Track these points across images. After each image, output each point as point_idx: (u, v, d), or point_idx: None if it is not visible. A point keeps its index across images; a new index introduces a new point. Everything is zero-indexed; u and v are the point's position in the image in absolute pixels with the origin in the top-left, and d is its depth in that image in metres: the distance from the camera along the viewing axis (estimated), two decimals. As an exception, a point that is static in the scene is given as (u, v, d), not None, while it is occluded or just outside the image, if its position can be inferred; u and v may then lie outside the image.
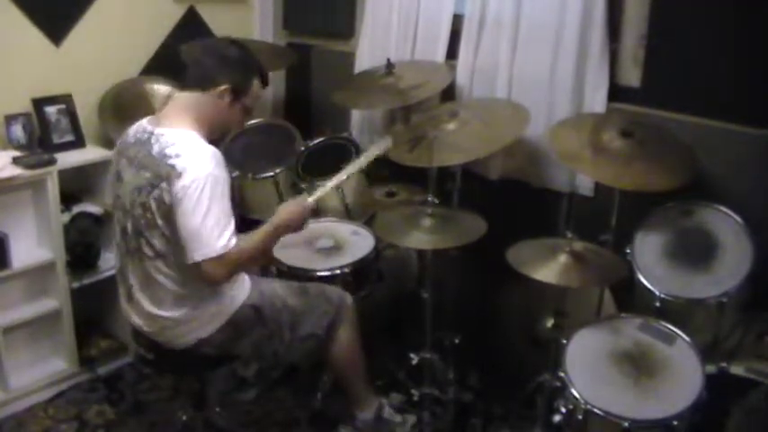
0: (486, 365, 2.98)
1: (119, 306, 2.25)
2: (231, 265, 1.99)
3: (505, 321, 2.90)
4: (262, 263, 2.18)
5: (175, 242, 1.98)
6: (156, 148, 1.99)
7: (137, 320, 2.17)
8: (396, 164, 2.65)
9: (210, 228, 1.92)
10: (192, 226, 1.91)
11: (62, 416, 2.80)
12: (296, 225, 2.21)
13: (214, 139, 2.12)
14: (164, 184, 1.93)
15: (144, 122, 2.11)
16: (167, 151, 1.96)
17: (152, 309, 2.10)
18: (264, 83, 2.18)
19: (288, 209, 2.20)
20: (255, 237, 2.08)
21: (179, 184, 1.91)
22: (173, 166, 1.93)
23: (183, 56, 3.19)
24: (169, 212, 1.94)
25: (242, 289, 2.22)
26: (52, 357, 2.97)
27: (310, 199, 2.28)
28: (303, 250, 2.72)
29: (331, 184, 2.39)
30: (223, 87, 2.06)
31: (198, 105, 2.06)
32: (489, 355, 2.93)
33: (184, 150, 1.95)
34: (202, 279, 1.98)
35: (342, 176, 2.42)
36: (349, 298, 2.43)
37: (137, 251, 2.06)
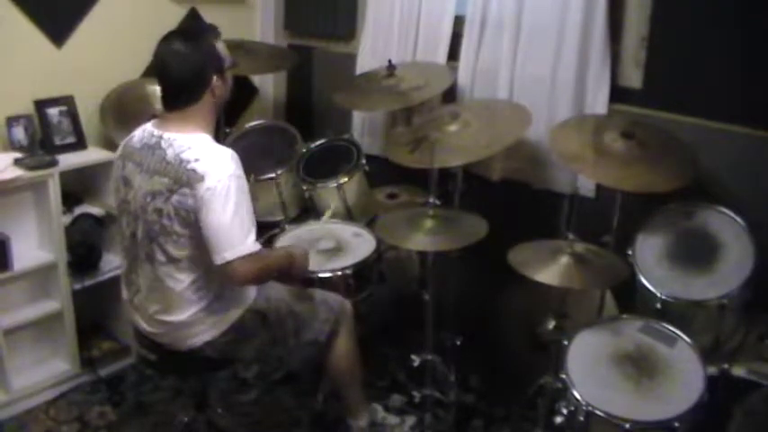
0: (488, 367, 2.98)
1: (120, 307, 2.25)
2: (260, 264, 2.00)
3: (507, 323, 2.90)
4: (273, 278, 2.21)
5: (196, 245, 1.97)
6: (170, 153, 1.97)
7: (143, 324, 2.17)
8: (397, 165, 2.65)
9: (240, 226, 1.93)
10: (221, 226, 1.91)
11: (64, 417, 2.80)
12: (301, 264, 2.28)
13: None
14: (185, 190, 1.92)
15: (149, 126, 2.09)
16: (184, 156, 1.95)
17: (159, 314, 2.09)
18: (216, 34, 2.11)
19: (299, 251, 2.28)
20: (274, 251, 2.12)
21: (203, 187, 1.90)
22: (193, 170, 1.92)
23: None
24: (190, 217, 1.94)
25: (248, 294, 2.21)
26: (54, 359, 2.97)
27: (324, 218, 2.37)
28: (304, 252, 2.72)
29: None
30: (213, 82, 2.02)
31: (198, 111, 2.04)
32: (491, 357, 2.93)
33: (202, 154, 1.95)
34: (229, 280, 1.98)
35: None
36: (348, 305, 2.44)
37: (148, 256, 2.05)
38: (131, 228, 2.08)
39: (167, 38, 2.03)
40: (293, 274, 2.25)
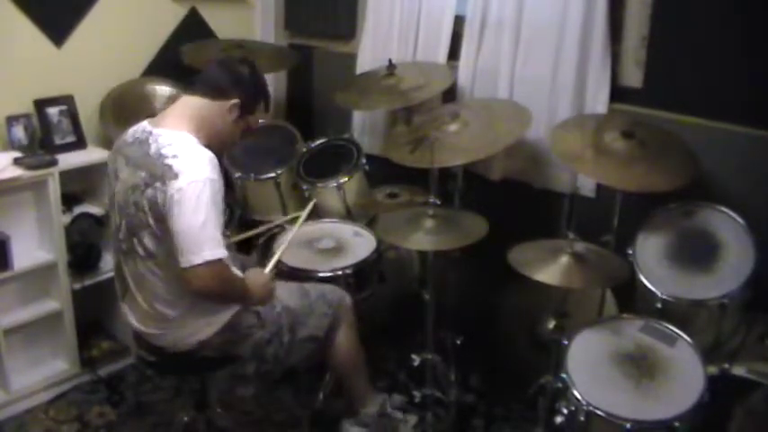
0: (488, 367, 2.98)
1: (120, 307, 2.25)
2: (223, 275, 1.98)
3: (507, 322, 2.90)
4: (233, 301, 2.15)
5: (167, 244, 1.97)
6: (153, 148, 1.98)
7: (135, 322, 2.17)
8: (397, 165, 2.65)
9: (210, 232, 1.91)
10: (190, 229, 1.89)
11: (63, 417, 2.80)
12: (261, 295, 2.20)
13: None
14: (158, 184, 1.92)
15: (144, 123, 2.11)
16: (164, 151, 1.96)
17: (148, 309, 2.10)
18: (267, 108, 2.25)
19: (253, 279, 2.19)
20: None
21: (175, 186, 1.90)
22: (169, 167, 1.92)
23: (185, 57, 3.20)
24: (160, 213, 1.93)
25: None
26: (53, 359, 2.97)
27: (267, 270, 2.30)
28: (304, 251, 2.72)
29: (278, 252, 2.45)
30: (233, 102, 2.08)
31: (204, 113, 2.07)
32: (491, 357, 2.93)
33: (181, 152, 1.95)
34: (189, 285, 1.94)
35: (284, 244, 2.51)
36: (348, 298, 2.44)
37: (130, 251, 2.06)
38: (117, 222, 2.09)
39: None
40: (249, 303, 2.18)
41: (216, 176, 1.95)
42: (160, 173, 1.93)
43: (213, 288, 1.97)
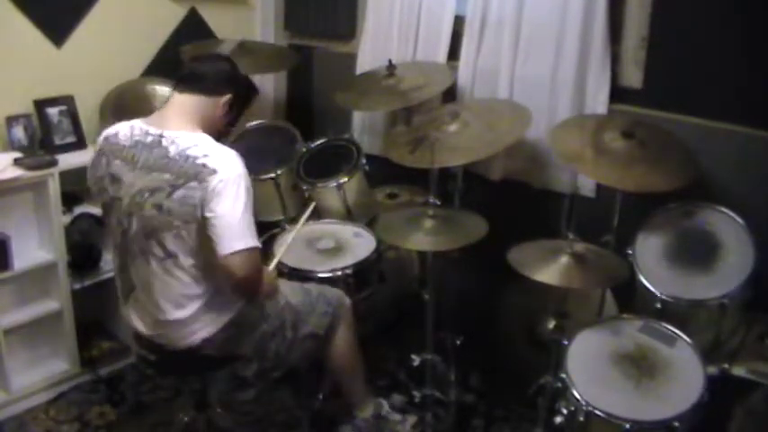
0: (488, 367, 2.98)
1: (120, 307, 2.25)
2: (259, 264, 2.04)
3: (507, 322, 2.90)
4: (252, 293, 2.16)
5: (197, 239, 1.98)
6: (173, 150, 1.98)
7: (138, 324, 2.17)
8: (397, 165, 2.65)
9: (249, 222, 1.97)
10: (232, 217, 1.93)
11: (63, 417, 2.80)
12: (268, 289, 2.23)
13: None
14: (193, 183, 1.94)
15: (139, 124, 2.08)
16: (191, 152, 1.97)
17: (156, 311, 2.09)
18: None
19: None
20: None
21: (215, 179, 1.93)
22: (203, 165, 1.95)
23: (185, 58, 3.20)
24: (194, 212, 1.95)
25: None
26: (53, 358, 2.97)
27: (270, 268, 2.33)
28: (304, 251, 2.72)
29: (280, 251, 2.47)
30: (227, 97, 2.12)
31: (200, 109, 2.09)
32: (491, 357, 2.93)
33: (211, 151, 1.98)
34: (228, 271, 1.96)
35: (285, 244, 2.51)
36: (347, 299, 2.45)
37: (143, 253, 2.05)
38: (123, 225, 2.07)
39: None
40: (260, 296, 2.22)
41: (246, 172, 2.02)
42: (194, 172, 1.94)
43: (249, 276, 2.00)
